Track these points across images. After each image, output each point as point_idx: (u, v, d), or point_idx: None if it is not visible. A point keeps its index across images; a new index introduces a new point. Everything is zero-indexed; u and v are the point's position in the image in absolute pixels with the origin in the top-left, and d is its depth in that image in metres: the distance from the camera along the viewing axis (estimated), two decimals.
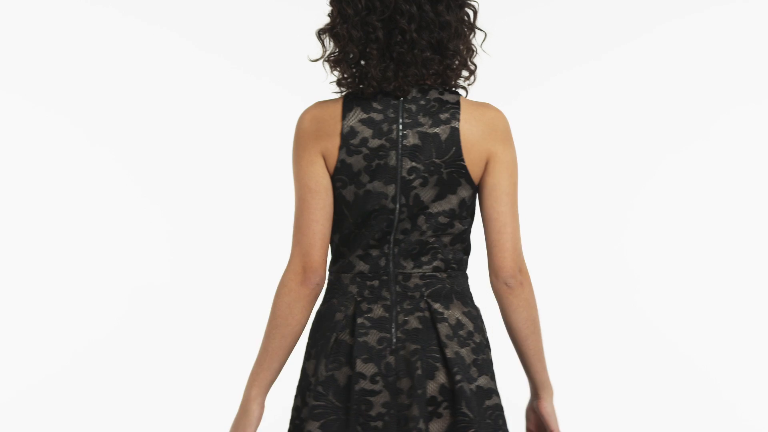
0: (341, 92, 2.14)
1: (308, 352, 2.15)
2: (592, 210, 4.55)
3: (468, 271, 2.21)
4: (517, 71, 4.57)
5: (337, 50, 2.09)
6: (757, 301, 4.50)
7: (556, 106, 4.61)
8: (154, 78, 4.56)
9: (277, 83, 4.56)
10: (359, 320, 2.10)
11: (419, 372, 2.07)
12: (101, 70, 4.52)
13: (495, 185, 2.12)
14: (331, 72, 2.13)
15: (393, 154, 2.08)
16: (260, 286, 4.41)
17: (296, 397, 2.15)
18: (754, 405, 4.38)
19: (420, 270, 2.13)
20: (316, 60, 2.13)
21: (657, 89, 4.55)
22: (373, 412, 2.07)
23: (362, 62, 2.07)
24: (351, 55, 2.07)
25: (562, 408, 4.31)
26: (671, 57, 4.56)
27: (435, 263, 2.13)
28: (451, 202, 2.11)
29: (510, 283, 2.14)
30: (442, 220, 2.12)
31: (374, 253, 2.11)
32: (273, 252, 4.48)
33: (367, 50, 2.05)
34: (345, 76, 2.10)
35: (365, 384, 2.07)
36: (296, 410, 2.14)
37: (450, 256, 2.14)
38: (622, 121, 4.56)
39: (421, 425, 2.05)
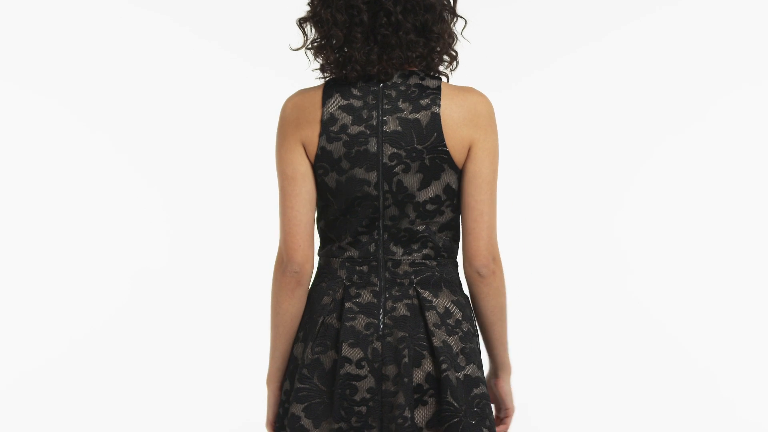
0: (324, 78, 2.13)
1: (296, 335, 2.15)
2: (588, 193, 4.56)
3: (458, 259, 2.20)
4: (516, 56, 4.58)
5: (319, 36, 2.09)
6: (752, 287, 4.49)
7: (554, 89, 4.61)
8: (151, 64, 4.57)
9: (273, 69, 4.55)
10: (347, 305, 2.09)
11: (406, 360, 2.06)
12: (98, 57, 4.53)
13: (476, 173, 2.10)
14: (315, 59, 2.12)
15: (373, 140, 2.07)
16: (258, 270, 4.43)
17: (286, 380, 2.15)
18: (745, 391, 4.38)
19: (410, 257, 2.12)
20: (298, 49, 2.13)
21: (655, 72, 4.55)
22: (357, 397, 2.06)
23: (345, 48, 2.06)
24: (334, 40, 2.06)
25: (556, 392, 4.34)
26: (670, 39, 4.55)
27: (425, 251, 2.12)
28: (436, 189, 2.10)
29: (482, 272, 2.13)
30: (429, 207, 2.11)
31: (364, 239, 2.11)
32: (271, 236, 4.50)
33: (352, 34, 2.04)
34: (328, 62, 2.09)
35: (350, 368, 2.06)
36: (285, 393, 2.15)
37: (440, 244, 2.13)
38: (620, 104, 4.56)
39: (407, 413, 2.04)
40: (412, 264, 2.12)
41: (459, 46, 2.15)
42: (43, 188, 4.51)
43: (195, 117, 4.58)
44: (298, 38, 2.16)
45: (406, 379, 2.05)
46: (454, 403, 2.05)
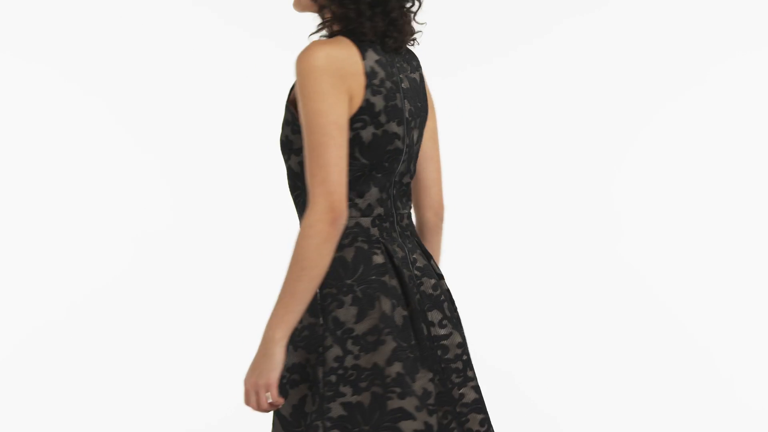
0: (324, 35, 2.15)
1: (339, 299, 2.10)
2: (586, 159, 4.56)
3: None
4: (515, 23, 4.60)
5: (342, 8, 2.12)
6: (748, 254, 4.50)
7: (553, 55, 4.61)
8: (151, 31, 4.58)
9: (273, 40, 4.56)
10: (395, 262, 2.14)
11: (446, 304, 2.20)
12: (93, 22, 4.54)
13: (434, 128, 2.32)
14: (329, 24, 2.14)
15: (398, 95, 2.15)
16: (260, 232, 4.49)
17: (330, 348, 2.08)
18: (740, 363, 4.42)
19: (406, 211, 2.23)
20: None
21: (654, 37, 4.55)
22: (450, 355, 2.18)
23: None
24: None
25: (544, 359, 4.34)
26: (669, 4, 4.56)
27: (410, 203, 2.26)
28: (421, 144, 2.26)
29: (442, 216, 2.34)
30: (418, 161, 2.28)
31: (384, 195, 2.16)
32: (270, 198, 4.52)
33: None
34: (350, 19, 2.11)
35: (435, 330, 2.16)
36: (338, 360, 2.08)
37: (410, 196, 2.28)
38: (619, 70, 4.56)
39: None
40: (408, 216, 2.24)
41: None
42: (46, 152, 4.52)
43: (197, 82, 4.59)
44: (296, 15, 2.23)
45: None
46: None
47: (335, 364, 2.06)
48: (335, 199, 1.99)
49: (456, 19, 4.39)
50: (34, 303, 4.45)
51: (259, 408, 2.05)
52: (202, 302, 4.51)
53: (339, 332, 2.08)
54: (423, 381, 2.10)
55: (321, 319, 2.10)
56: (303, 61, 2.04)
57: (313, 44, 2.06)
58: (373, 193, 2.15)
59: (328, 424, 2.05)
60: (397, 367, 2.06)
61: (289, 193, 2.22)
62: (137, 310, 4.48)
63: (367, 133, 2.10)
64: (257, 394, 2.04)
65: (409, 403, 2.07)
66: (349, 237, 2.12)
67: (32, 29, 4.49)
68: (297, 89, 2.05)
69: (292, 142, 2.13)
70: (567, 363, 4.44)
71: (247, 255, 4.51)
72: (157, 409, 4.32)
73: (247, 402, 2.07)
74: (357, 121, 2.09)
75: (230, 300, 4.49)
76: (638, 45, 4.57)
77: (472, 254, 4.38)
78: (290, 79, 4.48)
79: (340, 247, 2.11)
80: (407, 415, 2.07)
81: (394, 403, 2.06)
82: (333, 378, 2.06)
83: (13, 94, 4.50)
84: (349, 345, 2.07)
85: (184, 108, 4.58)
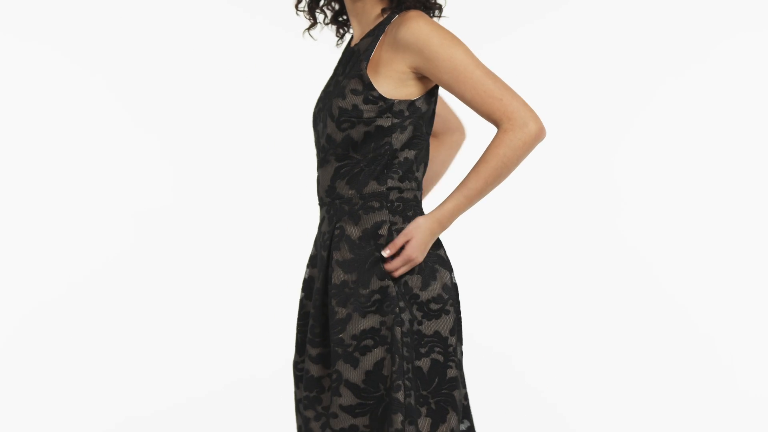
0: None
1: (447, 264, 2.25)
2: (587, 135, 4.56)
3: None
4: (518, 2, 4.62)
5: None
6: (748, 230, 4.49)
7: (556, 31, 4.61)
8: (149, 7, 4.56)
9: (267, 19, 4.57)
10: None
11: None
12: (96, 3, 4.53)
13: None
14: None
15: None
16: (260, 206, 4.50)
17: (405, 310, 2.17)
18: (736, 338, 4.41)
19: None
20: None
21: (657, 13, 4.55)
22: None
23: None
24: None
25: (542, 339, 4.34)
26: None
27: None
28: None
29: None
30: None
31: (424, 171, 2.29)
32: (271, 172, 4.55)
33: None
34: None
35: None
36: (409, 323, 2.18)
37: None
38: (621, 46, 4.56)
39: None
40: None
41: None
42: (46, 129, 4.50)
43: (199, 57, 4.59)
44: None
45: None
46: None
47: (406, 327, 2.14)
48: (539, 117, 2.13)
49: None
50: (33, 282, 4.44)
51: (397, 273, 2.15)
52: (202, 282, 4.51)
53: (408, 297, 2.16)
54: (460, 352, 2.21)
55: (392, 281, 2.15)
56: (424, 22, 2.12)
57: (418, 13, 2.15)
58: (423, 168, 2.25)
59: (408, 383, 2.12)
60: (455, 338, 2.17)
61: (317, 166, 2.26)
62: (137, 289, 4.48)
63: (432, 109, 2.22)
64: (407, 264, 2.15)
65: (460, 373, 2.19)
66: (411, 210, 2.20)
67: (32, 9, 4.47)
68: (427, 43, 2.10)
69: (362, 111, 2.15)
70: (565, 348, 4.45)
71: (246, 234, 4.52)
72: (158, 380, 4.35)
73: (395, 267, 2.15)
74: (434, 94, 2.21)
75: (229, 278, 4.50)
76: (641, 21, 4.56)
77: (471, 236, 4.36)
78: (291, 60, 4.53)
79: (406, 218, 2.19)
80: (458, 385, 2.17)
81: (452, 372, 2.16)
82: (407, 339, 2.13)
83: (17, 75, 4.48)
84: (414, 311, 2.16)
85: (187, 85, 4.57)
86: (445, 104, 2.49)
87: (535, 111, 2.12)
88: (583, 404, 4.28)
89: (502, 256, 4.52)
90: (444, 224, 2.16)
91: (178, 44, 4.57)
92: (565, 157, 4.48)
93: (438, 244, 2.20)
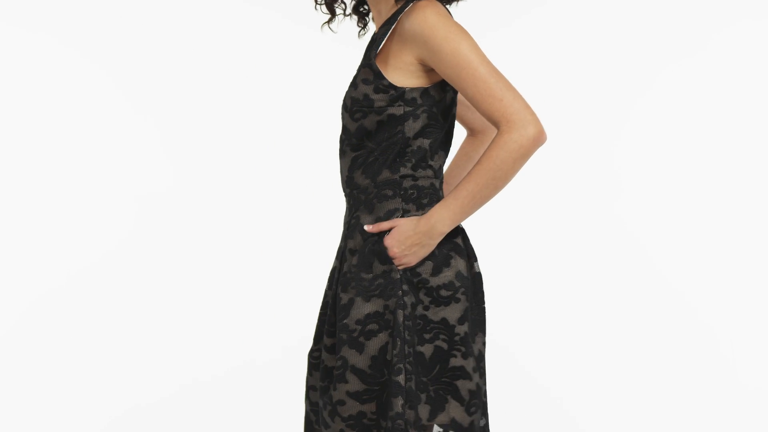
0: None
1: (465, 253, 2.23)
2: (586, 125, 4.56)
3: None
4: None
5: None
6: (749, 215, 4.50)
7: (557, 18, 4.61)
8: None
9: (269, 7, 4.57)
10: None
11: None
12: None
13: None
14: None
15: None
16: (261, 194, 4.49)
17: (407, 294, 2.15)
18: (734, 329, 4.43)
19: None
20: None
21: (657, 1, 4.56)
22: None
23: None
24: None
25: (542, 330, 4.34)
26: None
27: None
28: None
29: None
30: None
31: (444, 159, 2.27)
32: (271, 159, 4.54)
33: None
34: None
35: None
36: (412, 307, 2.16)
37: None
38: (621, 34, 4.56)
39: None
40: None
41: None
42: (45, 116, 4.49)
43: (199, 44, 4.57)
44: None
45: None
46: None
47: (408, 311, 2.13)
48: (540, 120, 2.07)
49: None
50: (35, 271, 4.44)
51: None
52: (203, 270, 4.51)
53: (415, 281, 2.14)
54: (479, 344, 2.19)
55: (395, 266, 2.15)
56: (431, 12, 2.09)
57: (429, 2, 2.12)
58: (441, 156, 2.23)
59: (409, 367, 2.10)
60: (465, 327, 2.14)
61: (339, 154, 2.25)
62: (138, 277, 4.48)
63: (449, 96, 2.19)
64: (398, 261, 2.13)
65: (468, 364, 2.14)
66: (427, 197, 2.19)
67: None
68: (432, 35, 2.07)
69: (373, 101, 2.14)
70: (566, 340, 4.45)
71: (249, 224, 4.52)
72: (160, 364, 4.36)
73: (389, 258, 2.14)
74: (448, 83, 2.17)
75: (231, 267, 4.50)
76: (641, 10, 4.56)
77: (470, 230, 4.35)
78: (293, 45, 4.53)
79: (420, 206, 2.18)
80: (465, 375, 2.14)
81: (457, 361, 2.14)
82: (410, 323, 2.12)
83: (14, 60, 4.47)
84: (422, 295, 2.14)
85: (186, 72, 4.56)
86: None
87: (537, 114, 2.07)
88: (583, 395, 4.27)
89: (502, 248, 4.51)
90: (434, 225, 2.12)
91: (179, 29, 4.56)
92: (564, 148, 4.48)
93: (456, 232, 2.18)
